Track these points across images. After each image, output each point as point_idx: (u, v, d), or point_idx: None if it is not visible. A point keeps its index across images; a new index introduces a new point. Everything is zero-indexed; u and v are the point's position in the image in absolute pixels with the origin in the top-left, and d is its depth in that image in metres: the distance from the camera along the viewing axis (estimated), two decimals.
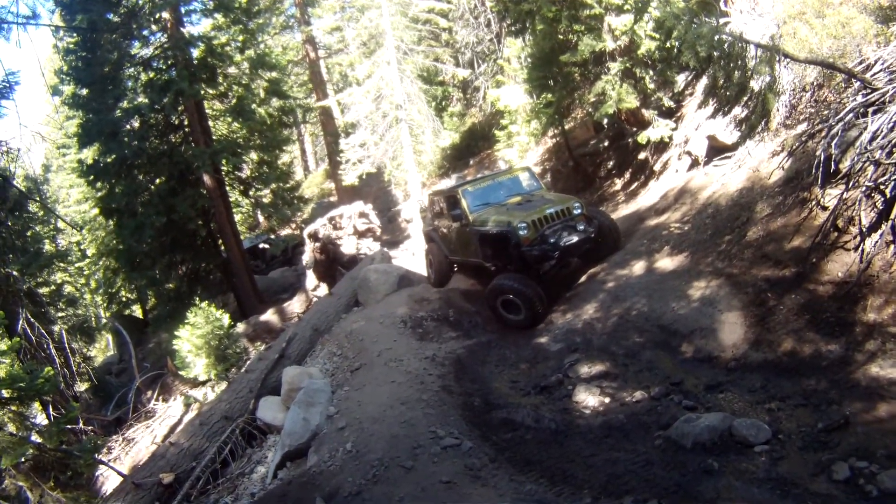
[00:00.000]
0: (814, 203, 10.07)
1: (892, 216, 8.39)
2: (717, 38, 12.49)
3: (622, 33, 15.62)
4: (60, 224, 32.31)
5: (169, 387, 20.30)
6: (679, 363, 9.87)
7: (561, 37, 16.79)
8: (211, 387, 18.35)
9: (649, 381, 9.57)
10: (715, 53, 13.59)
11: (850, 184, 9.24)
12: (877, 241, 8.59)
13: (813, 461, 6.61)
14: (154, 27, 23.43)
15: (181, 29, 23.22)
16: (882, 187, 8.59)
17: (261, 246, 34.63)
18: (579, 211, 13.72)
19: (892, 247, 8.46)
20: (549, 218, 13.37)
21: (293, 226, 32.33)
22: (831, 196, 9.68)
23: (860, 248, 8.80)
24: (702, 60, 14.10)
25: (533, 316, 13.08)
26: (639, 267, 13.12)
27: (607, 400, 9.49)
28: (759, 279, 10.17)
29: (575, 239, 13.25)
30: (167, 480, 11.69)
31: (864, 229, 8.81)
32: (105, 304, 35.04)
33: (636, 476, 7.11)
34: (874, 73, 10.14)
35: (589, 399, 9.60)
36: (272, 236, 35.17)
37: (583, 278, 14.24)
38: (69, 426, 15.36)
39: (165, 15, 22.68)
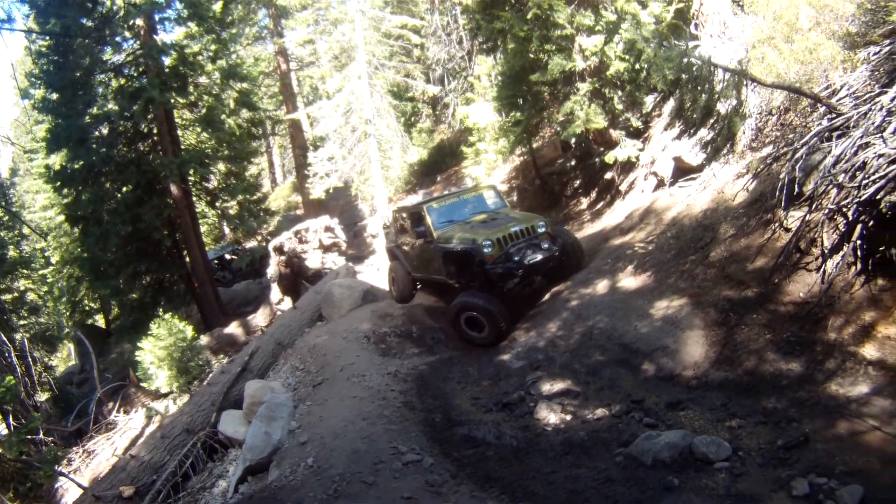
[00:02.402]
0: (777, 225, 10.18)
1: (853, 238, 8.50)
2: (685, 61, 12.62)
3: (592, 54, 15.74)
4: (25, 230, 32.06)
5: (131, 398, 20.10)
6: (640, 381, 9.90)
7: (532, 56, 16.86)
8: (173, 399, 18.21)
9: (610, 399, 9.59)
10: (683, 76, 13.72)
11: (813, 206, 9.34)
12: (838, 263, 8.70)
13: (772, 478, 6.64)
14: (127, 34, 23.29)
15: (154, 36, 23.14)
16: (844, 210, 8.69)
17: (227, 256, 34.41)
18: (543, 229, 13.76)
19: (853, 268, 8.57)
20: (513, 236, 13.36)
21: (259, 238, 32.20)
22: (794, 218, 9.79)
23: (822, 270, 8.91)
24: (670, 83, 14.26)
25: (496, 333, 13.07)
26: (602, 286, 13.17)
27: (568, 417, 9.51)
28: (721, 299, 10.24)
29: (539, 257, 13.30)
30: (127, 493, 11.58)
31: (826, 251, 8.92)
32: (68, 313, 34.68)
33: (597, 493, 7.12)
34: (840, 99, 10.28)
35: (550, 416, 9.60)
36: (238, 247, 34.97)
37: (546, 296, 14.26)
38: (29, 436, 15.18)
39: (139, 22, 22.56)
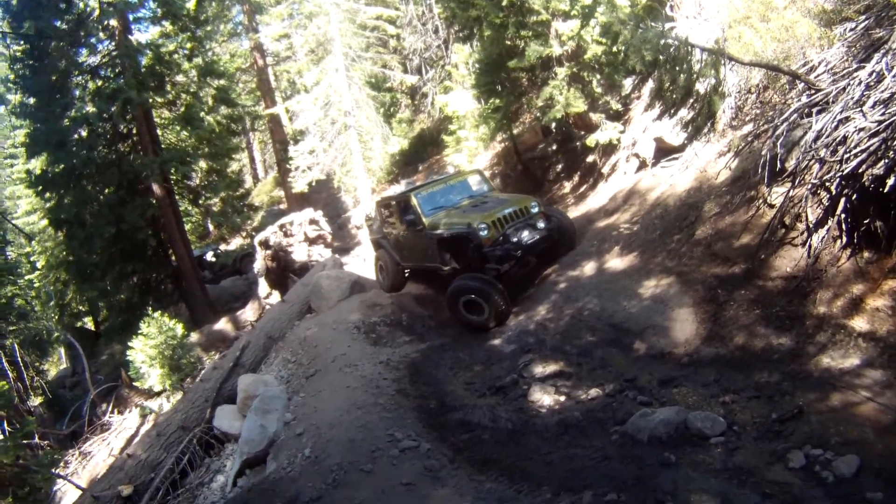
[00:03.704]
0: (761, 201, 10.25)
1: (837, 212, 8.58)
2: (662, 42, 12.66)
3: (569, 39, 15.73)
4: (9, 236, 31.88)
5: (124, 398, 20.07)
6: (632, 360, 9.98)
7: (508, 42, 16.84)
8: (166, 397, 18.21)
9: (603, 379, 9.64)
10: (661, 57, 13.76)
11: (796, 181, 9.41)
12: (823, 237, 8.78)
13: (768, 451, 6.71)
14: (102, 34, 23.28)
15: (129, 36, 23.12)
16: (827, 184, 8.76)
17: (207, 257, 34.27)
18: (537, 209, 13.78)
19: (838, 241, 8.65)
20: (507, 218, 13.38)
21: (243, 234, 32.13)
22: (778, 194, 9.88)
23: (807, 244, 8.98)
24: (648, 64, 14.27)
25: (497, 315, 12.97)
26: (589, 267, 13.25)
27: (562, 398, 9.54)
28: (708, 276, 10.34)
29: (537, 237, 13.40)
30: (126, 493, 11.59)
31: (811, 225, 9.00)
32: (56, 317, 34.54)
33: (594, 471, 7.17)
34: (818, 75, 10.36)
35: (544, 398, 9.65)
36: (220, 248, 34.87)
37: (535, 280, 14.33)
38: (25, 441, 15.17)
39: (113, 22, 22.53)
